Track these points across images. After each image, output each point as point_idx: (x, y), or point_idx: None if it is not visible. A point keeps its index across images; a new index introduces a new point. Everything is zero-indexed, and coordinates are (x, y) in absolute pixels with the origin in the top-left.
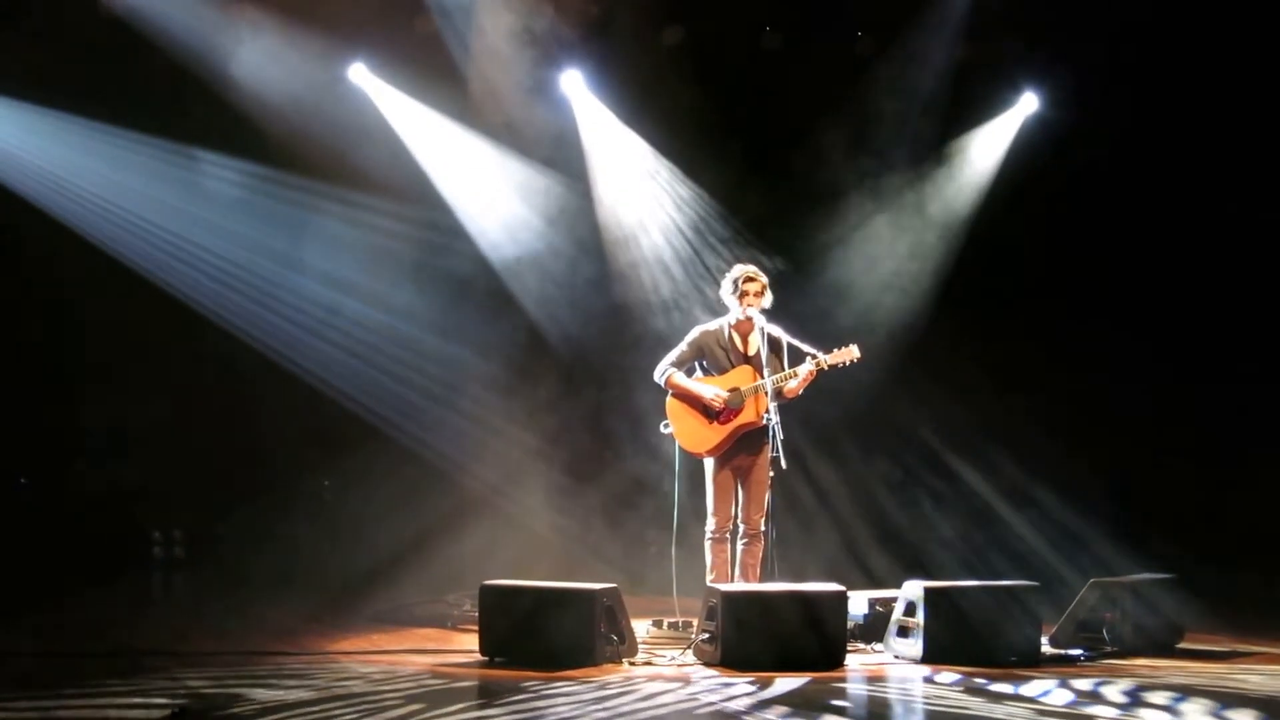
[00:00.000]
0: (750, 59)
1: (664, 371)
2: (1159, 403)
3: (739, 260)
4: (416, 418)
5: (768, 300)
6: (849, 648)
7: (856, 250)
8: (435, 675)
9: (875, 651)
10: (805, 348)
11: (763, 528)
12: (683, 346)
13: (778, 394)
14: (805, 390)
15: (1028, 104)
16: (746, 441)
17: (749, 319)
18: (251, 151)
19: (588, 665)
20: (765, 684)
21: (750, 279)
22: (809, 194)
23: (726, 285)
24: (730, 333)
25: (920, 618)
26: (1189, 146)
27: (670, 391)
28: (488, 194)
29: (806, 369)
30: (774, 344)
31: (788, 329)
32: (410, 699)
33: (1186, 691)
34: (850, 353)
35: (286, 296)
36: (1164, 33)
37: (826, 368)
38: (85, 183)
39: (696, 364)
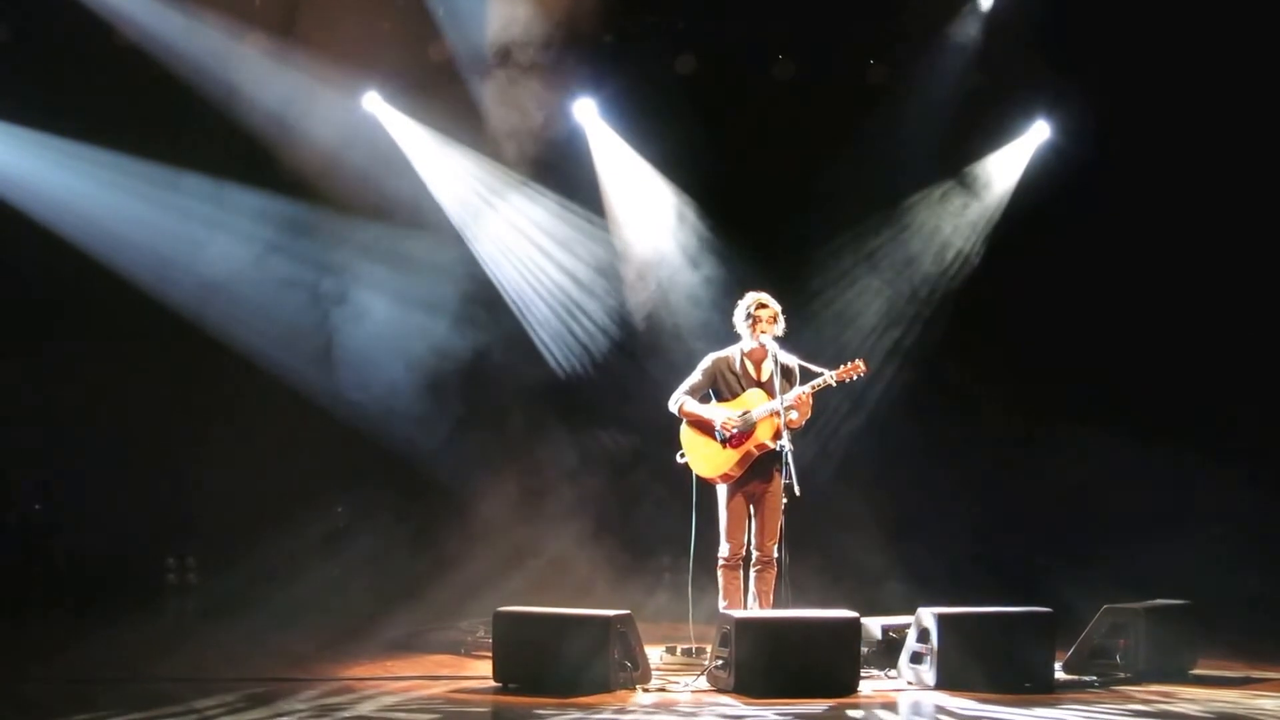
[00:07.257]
0: (763, 87)
1: (678, 400)
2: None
3: (750, 289)
4: (430, 446)
5: (780, 327)
6: (863, 674)
7: (868, 278)
8: (449, 702)
9: (889, 678)
10: (817, 369)
11: (775, 554)
12: (696, 375)
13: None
14: (819, 414)
15: (1040, 132)
16: (759, 468)
17: (761, 346)
18: (267, 182)
19: (601, 692)
20: (779, 711)
21: (762, 305)
22: (821, 221)
23: (739, 313)
24: (743, 359)
25: (934, 644)
26: (1202, 175)
27: (684, 420)
28: (501, 222)
29: (796, 393)
30: (786, 371)
31: (798, 356)
32: None
33: None
34: (857, 367)
35: (305, 324)
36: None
37: (835, 384)
38: (101, 211)
39: (710, 391)
